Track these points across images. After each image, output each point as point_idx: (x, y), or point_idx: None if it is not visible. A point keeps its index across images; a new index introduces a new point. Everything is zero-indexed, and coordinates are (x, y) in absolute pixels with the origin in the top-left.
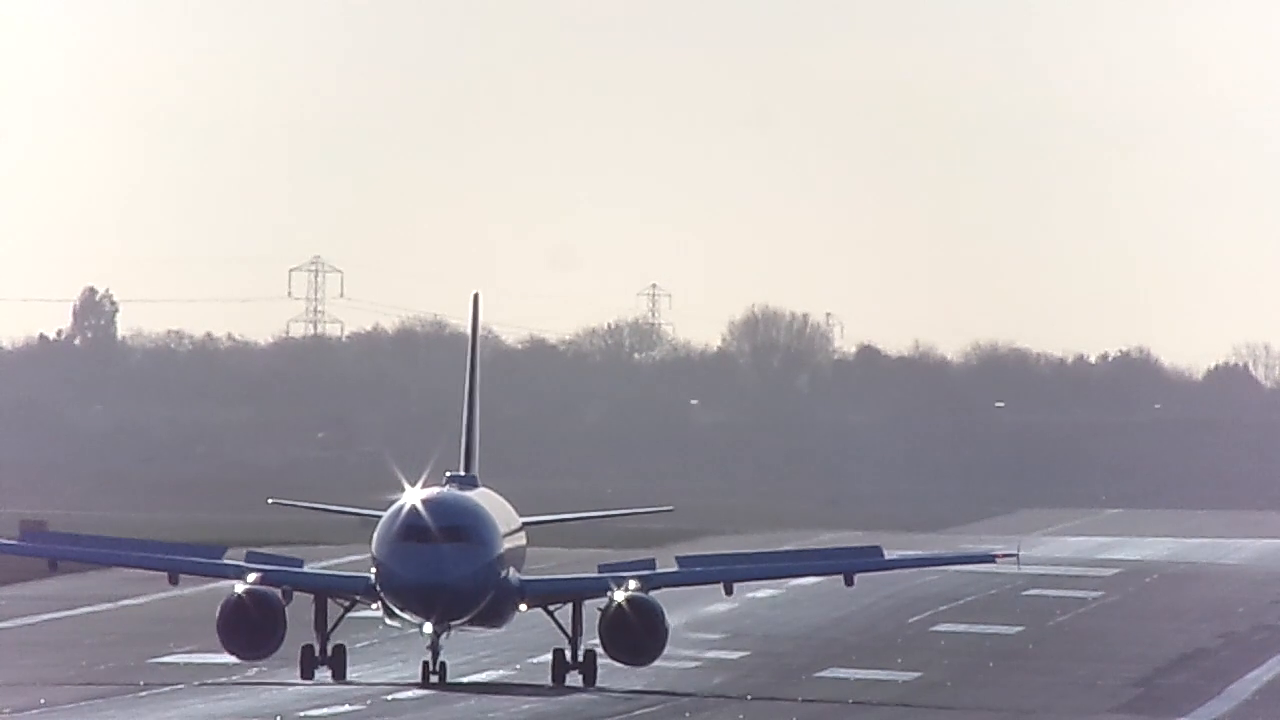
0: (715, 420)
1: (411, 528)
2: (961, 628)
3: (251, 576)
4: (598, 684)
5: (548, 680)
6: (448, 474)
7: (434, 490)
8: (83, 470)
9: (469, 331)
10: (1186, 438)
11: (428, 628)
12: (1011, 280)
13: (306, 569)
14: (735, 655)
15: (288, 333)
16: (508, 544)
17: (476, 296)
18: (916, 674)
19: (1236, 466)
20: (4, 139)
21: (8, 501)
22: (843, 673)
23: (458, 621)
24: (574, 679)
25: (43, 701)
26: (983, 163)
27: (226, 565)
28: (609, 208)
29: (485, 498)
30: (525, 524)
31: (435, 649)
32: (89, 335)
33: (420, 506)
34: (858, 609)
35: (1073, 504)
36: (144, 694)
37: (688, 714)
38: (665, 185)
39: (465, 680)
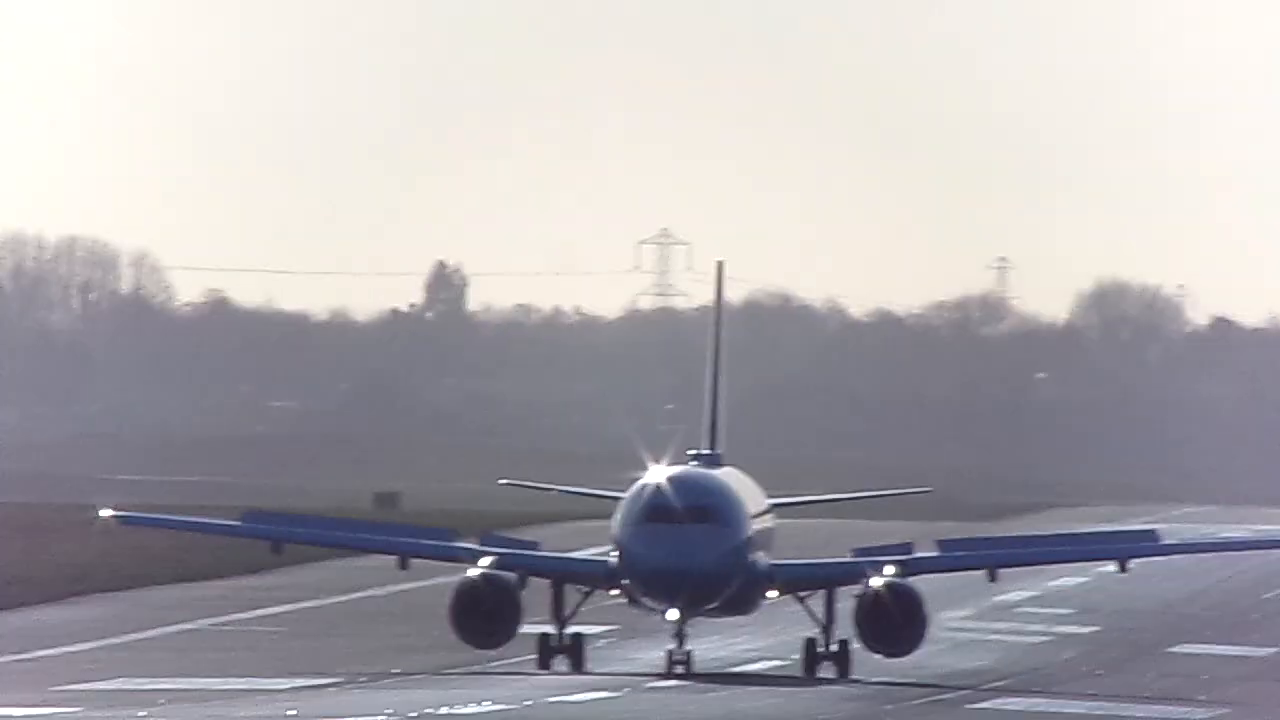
0: (1061, 394)
1: (656, 508)
2: None
3: (485, 560)
4: (852, 675)
5: (799, 671)
6: (690, 451)
7: (678, 469)
8: (434, 443)
9: (714, 301)
10: None
11: (672, 614)
12: None
13: (543, 552)
14: (1086, 630)
15: (636, 305)
16: (756, 526)
17: (720, 265)
18: (1273, 649)
19: None
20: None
21: (362, 474)
22: (1196, 648)
23: (704, 608)
24: (828, 670)
25: (395, 671)
26: None
27: (459, 548)
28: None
29: (731, 477)
30: (773, 505)
31: (680, 636)
32: (440, 309)
33: (665, 486)
34: (1212, 584)
35: None
36: (495, 665)
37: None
38: (1016, 158)
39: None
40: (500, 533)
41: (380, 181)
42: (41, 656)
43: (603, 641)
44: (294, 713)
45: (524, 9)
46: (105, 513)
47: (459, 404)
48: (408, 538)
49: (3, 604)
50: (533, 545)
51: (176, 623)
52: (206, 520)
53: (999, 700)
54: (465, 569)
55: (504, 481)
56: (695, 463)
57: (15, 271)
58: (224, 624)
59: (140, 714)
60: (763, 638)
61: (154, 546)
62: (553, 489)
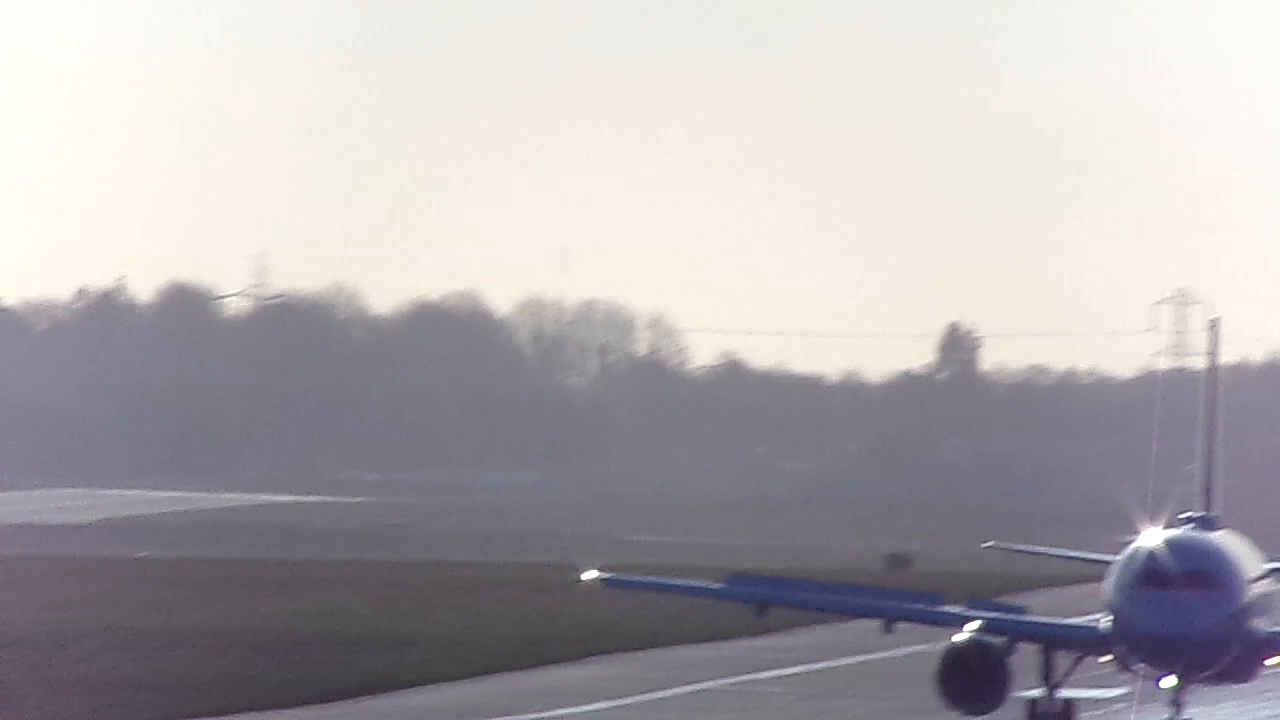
0: None
1: (1150, 573)
2: None
3: (972, 625)
4: None
5: None
6: (1181, 515)
7: (1173, 532)
8: (946, 504)
9: (1208, 360)
10: None
11: (1168, 682)
12: None
13: (1031, 617)
14: None
15: (1151, 366)
16: (1255, 591)
17: (1214, 322)
18: None
19: None
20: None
21: (873, 535)
22: None
23: (1199, 675)
24: None
25: None
26: None
27: (945, 613)
28: None
29: (1227, 540)
30: (1273, 569)
31: (1177, 705)
32: (953, 370)
33: (1159, 550)
34: None
35: None
36: None
37: None
38: None
39: None
40: (990, 597)
41: (890, 245)
42: (561, 715)
43: (1101, 711)
44: None
45: None
46: (589, 575)
47: (971, 464)
48: (893, 601)
49: (524, 664)
50: (1021, 610)
51: (691, 682)
52: (690, 583)
53: None
54: (953, 634)
55: (989, 545)
56: (1189, 526)
57: (535, 335)
58: (736, 684)
59: None
60: (1267, 705)
61: (667, 606)
62: (1041, 552)
